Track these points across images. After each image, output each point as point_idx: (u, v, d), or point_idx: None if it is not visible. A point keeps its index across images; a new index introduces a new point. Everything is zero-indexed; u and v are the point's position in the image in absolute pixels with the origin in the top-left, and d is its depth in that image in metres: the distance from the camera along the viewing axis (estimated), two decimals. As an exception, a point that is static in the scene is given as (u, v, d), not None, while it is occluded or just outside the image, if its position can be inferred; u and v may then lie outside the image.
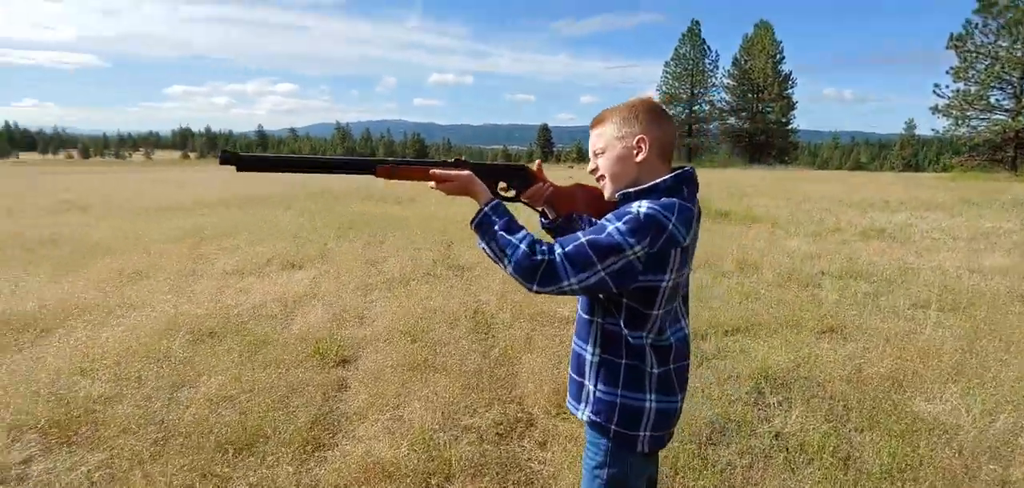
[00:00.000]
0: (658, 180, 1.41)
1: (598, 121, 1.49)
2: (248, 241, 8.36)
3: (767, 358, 3.91)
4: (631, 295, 1.37)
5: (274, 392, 3.42)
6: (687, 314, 1.56)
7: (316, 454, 2.83)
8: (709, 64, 61.15)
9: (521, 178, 1.58)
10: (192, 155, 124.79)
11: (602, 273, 1.29)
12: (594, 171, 1.50)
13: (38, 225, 10.11)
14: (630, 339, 1.41)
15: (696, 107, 62.09)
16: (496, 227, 1.35)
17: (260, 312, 5.02)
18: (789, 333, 4.51)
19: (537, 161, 1.64)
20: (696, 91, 61.44)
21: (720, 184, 20.69)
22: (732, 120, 61.62)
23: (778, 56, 58.21)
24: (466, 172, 1.46)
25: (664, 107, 1.48)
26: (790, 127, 60.69)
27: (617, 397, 1.44)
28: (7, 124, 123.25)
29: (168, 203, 14.20)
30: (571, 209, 1.60)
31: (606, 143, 1.46)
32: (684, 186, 1.41)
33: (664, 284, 1.35)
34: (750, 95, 60.16)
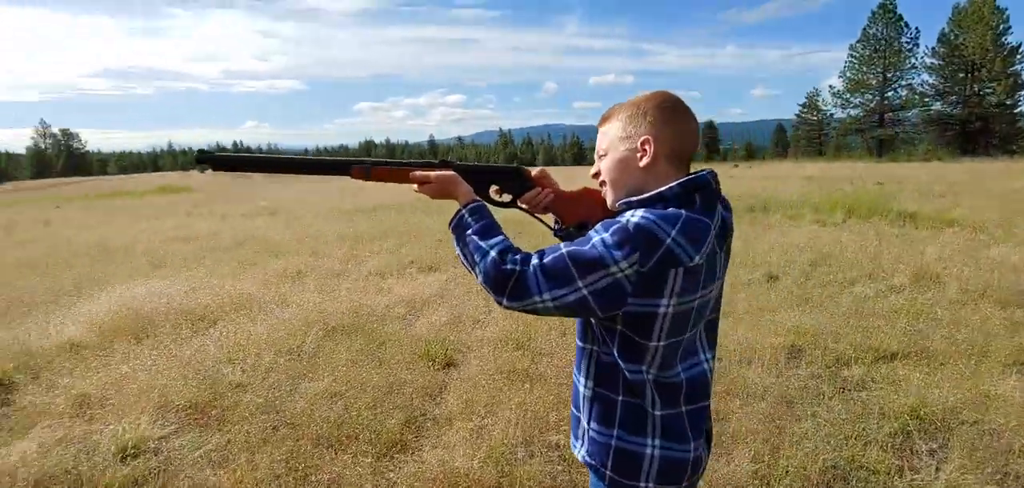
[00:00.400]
0: (664, 188, 1.19)
1: (605, 118, 1.30)
2: (397, 244, 8.97)
3: (926, 393, 3.23)
4: (624, 321, 1.16)
5: (378, 391, 3.59)
6: (712, 346, 1.30)
7: (398, 456, 2.90)
8: (906, 43, 53.12)
9: (516, 181, 1.42)
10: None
11: (583, 291, 1.11)
12: (596, 175, 1.32)
13: (235, 229, 11.84)
14: (627, 373, 1.20)
15: (889, 93, 54.38)
16: (470, 231, 1.22)
17: (389, 313, 5.33)
18: (966, 363, 3.69)
19: (540, 167, 1.48)
20: (890, 75, 53.79)
21: (915, 180, 17.87)
22: (937, 105, 52.91)
23: (1001, 27, 48.85)
24: (449, 173, 1.35)
25: (681, 103, 1.25)
26: (1018, 110, 50.58)
27: (612, 439, 1.24)
28: (234, 143, 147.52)
29: (345, 207, 15.77)
30: (580, 217, 1.42)
31: (609, 144, 1.27)
32: (696, 195, 1.18)
33: (662, 310, 1.13)
34: (961, 75, 51.21)
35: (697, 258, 1.12)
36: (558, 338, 4.43)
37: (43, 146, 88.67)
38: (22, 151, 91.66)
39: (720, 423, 3.07)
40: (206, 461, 2.86)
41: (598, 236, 1.13)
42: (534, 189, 1.43)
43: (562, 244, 1.16)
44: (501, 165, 1.44)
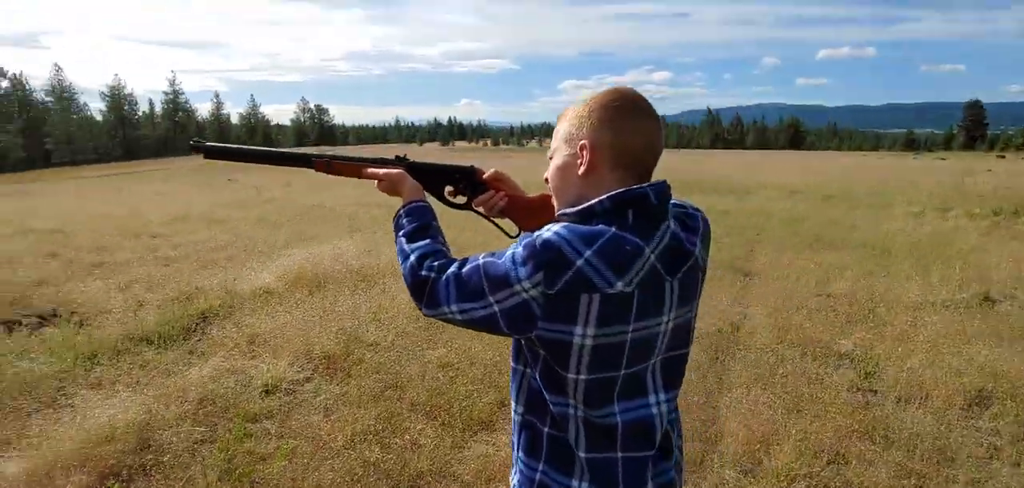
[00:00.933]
0: (594, 201, 1.04)
1: (560, 117, 1.17)
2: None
3: None
4: (542, 345, 1.05)
5: (486, 367, 3.71)
6: (671, 387, 1.11)
7: (479, 435, 2.98)
8: None
9: (467, 182, 1.35)
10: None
11: (494, 308, 1.01)
12: (547, 182, 1.20)
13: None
14: (551, 404, 1.08)
15: None
16: (401, 232, 1.19)
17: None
18: None
19: (494, 169, 1.37)
20: None
21: None
22: None
23: None
24: (397, 170, 1.31)
25: (636, 102, 1.07)
26: None
27: (537, 472, 1.12)
28: (449, 120, 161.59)
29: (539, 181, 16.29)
30: (539, 224, 1.30)
31: (555, 148, 1.15)
32: (628, 210, 1.01)
33: (577, 341, 0.99)
34: None
35: (619, 285, 0.97)
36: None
37: (302, 120, 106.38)
38: (287, 123, 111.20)
39: (837, 464, 2.61)
40: (320, 407, 3.24)
41: (512, 249, 1.03)
42: (487, 192, 1.35)
43: (482, 254, 1.08)
44: (452, 165, 1.36)
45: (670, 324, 1.07)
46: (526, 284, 0.98)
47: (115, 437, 2.85)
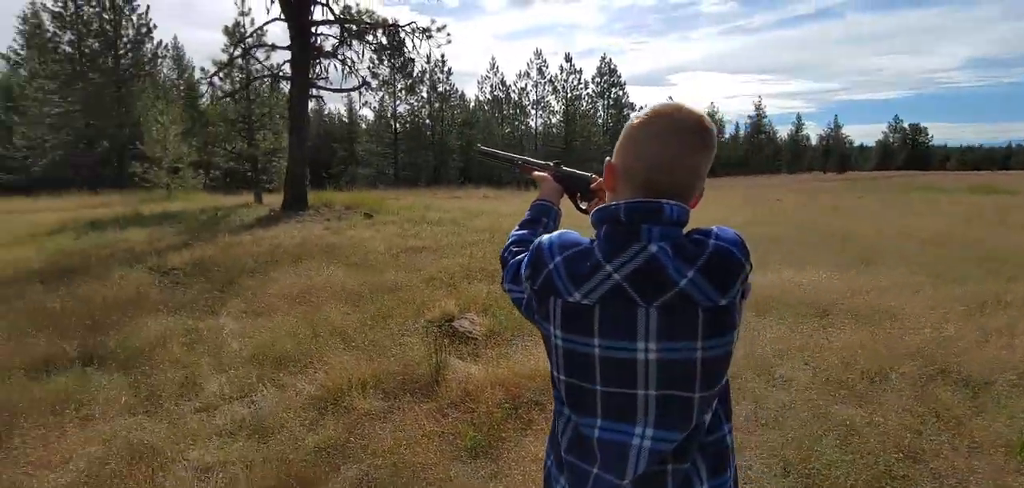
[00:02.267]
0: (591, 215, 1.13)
1: None
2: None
3: None
4: (542, 337, 1.15)
5: (883, 440, 2.98)
6: (663, 427, 1.03)
7: None
8: None
9: (584, 190, 1.47)
10: None
11: (524, 294, 1.16)
12: None
13: (996, 236, 9.89)
14: (555, 398, 1.16)
15: None
16: (520, 220, 1.40)
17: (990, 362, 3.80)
18: None
19: (599, 179, 1.40)
20: None
21: None
22: None
23: None
24: (544, 173, 1.53)
25: (663, 120, 1.06)
26: None
27: (549, 461, 1.19)
28: None
29: None
30: None
31: None
32: (603, 226, 1.06)
33: (553, 340, 1.08)
34: None
35: (577, 295, 1.03)
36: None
37: (890, 140, 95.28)
38: (871, 144, 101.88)
39: None
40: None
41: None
42: (594, 199, 1.44)
43: None
44: (580, 173, 1.48)
45: (652, 356, 1.01)
46: (524, 276, 1.15)
47: (534, 376, 3.80)
